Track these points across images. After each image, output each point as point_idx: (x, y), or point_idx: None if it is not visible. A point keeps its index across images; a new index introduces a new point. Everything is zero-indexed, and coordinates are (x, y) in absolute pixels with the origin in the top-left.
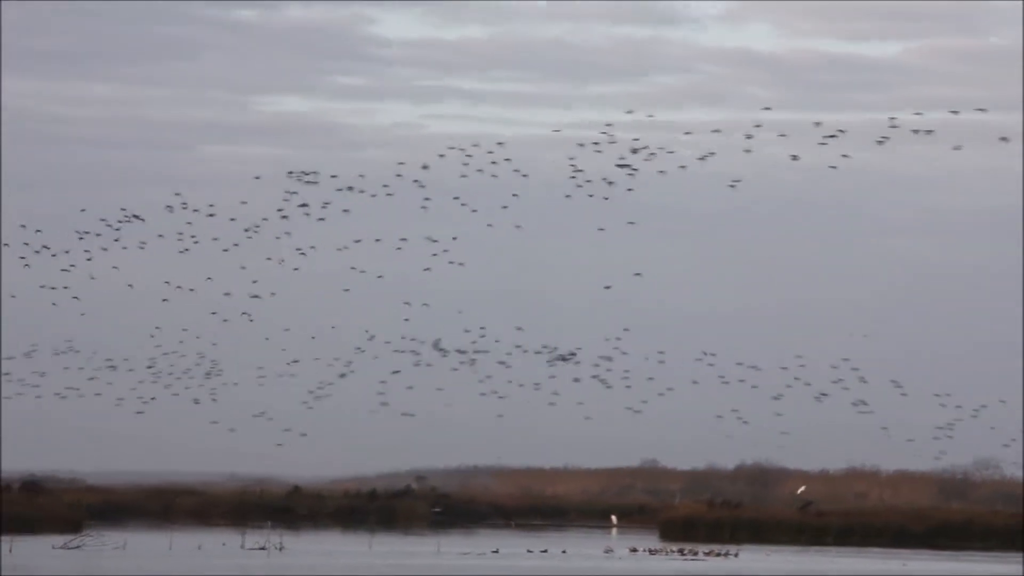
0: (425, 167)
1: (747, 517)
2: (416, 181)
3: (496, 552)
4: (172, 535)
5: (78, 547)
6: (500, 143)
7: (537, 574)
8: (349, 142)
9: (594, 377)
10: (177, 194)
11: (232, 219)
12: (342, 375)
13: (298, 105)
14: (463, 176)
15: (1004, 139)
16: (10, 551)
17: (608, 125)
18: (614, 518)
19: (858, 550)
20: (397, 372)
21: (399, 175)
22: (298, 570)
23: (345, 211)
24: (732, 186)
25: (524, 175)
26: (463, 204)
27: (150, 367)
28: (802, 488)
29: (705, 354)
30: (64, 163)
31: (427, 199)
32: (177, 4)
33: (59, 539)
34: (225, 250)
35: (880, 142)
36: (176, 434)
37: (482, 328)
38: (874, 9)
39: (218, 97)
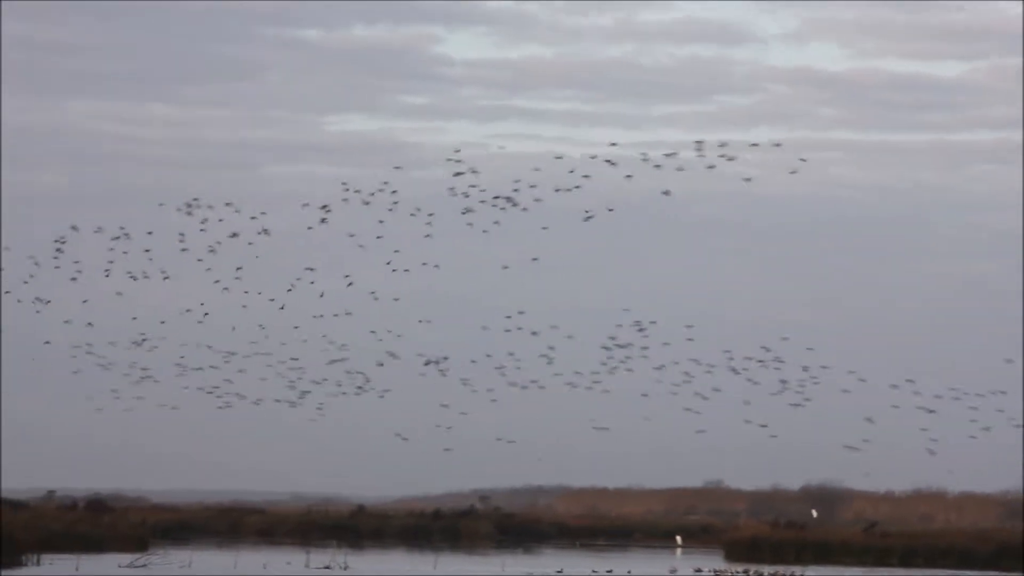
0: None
1: (812, 538)
2: (494, 200)
3: (560, 572)
4: (237, 554)
5: (144, 566)
6: (559, 156)
7: None
8: (414, 161)
9: (672, 392)
10: (252, 217)
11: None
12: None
13: (363, 124)
14: (537, 199)
15: None
16: (76, 569)
17: (669, 153)
18: (679, 538)
19: (923, 571)
20: (488, 391)
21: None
22: None
23: (427, 235)
24: (785, 204)
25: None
26: (537, 223)
27: (217, 389)
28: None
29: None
30: (127, 183)
31: (496, 222)
32: (240, 24)
33: (125, 558)
34: (304, 277)
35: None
36: (240, 453)
37: (551, 348)
38: (938, 28)
39: (282, 117)
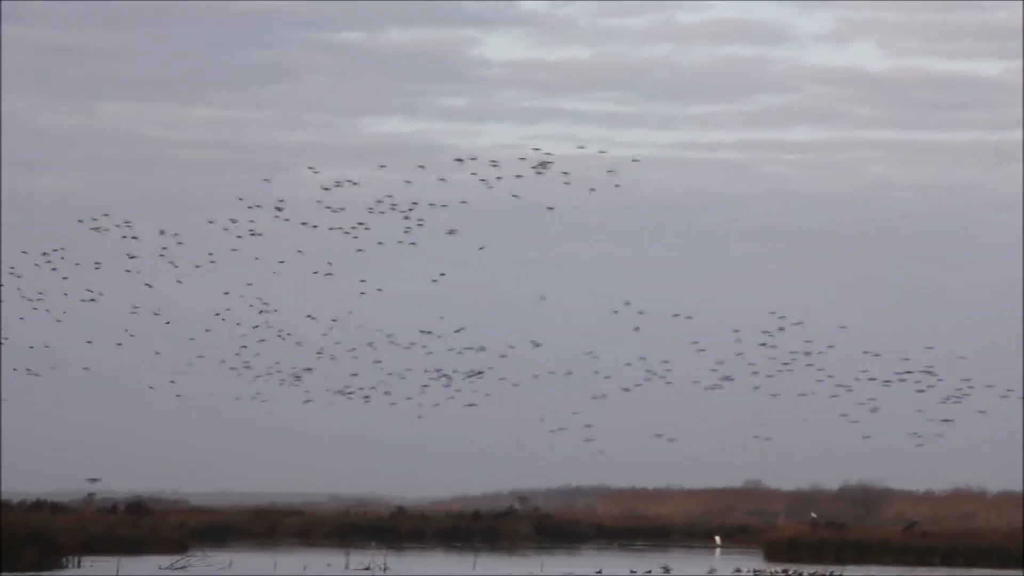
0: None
1: (851, 538)
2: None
3: (599, 572)
4: (277, 556)
5: (184, 568)
6: (602, 151)
7: None
8: (452, 163)
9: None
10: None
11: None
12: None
13: (400, 126)
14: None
15: None
16: (117, 571)
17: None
18: (718, 538)
19: (964, 571)
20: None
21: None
22: None
23: (451, 232)
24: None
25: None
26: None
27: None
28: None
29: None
30: (165, 186)
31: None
32: (278, 27)
33: (165, 560)
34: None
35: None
36: (279, 455)
37: (590, 352)
38: (977, 27)
39: (320, 119)
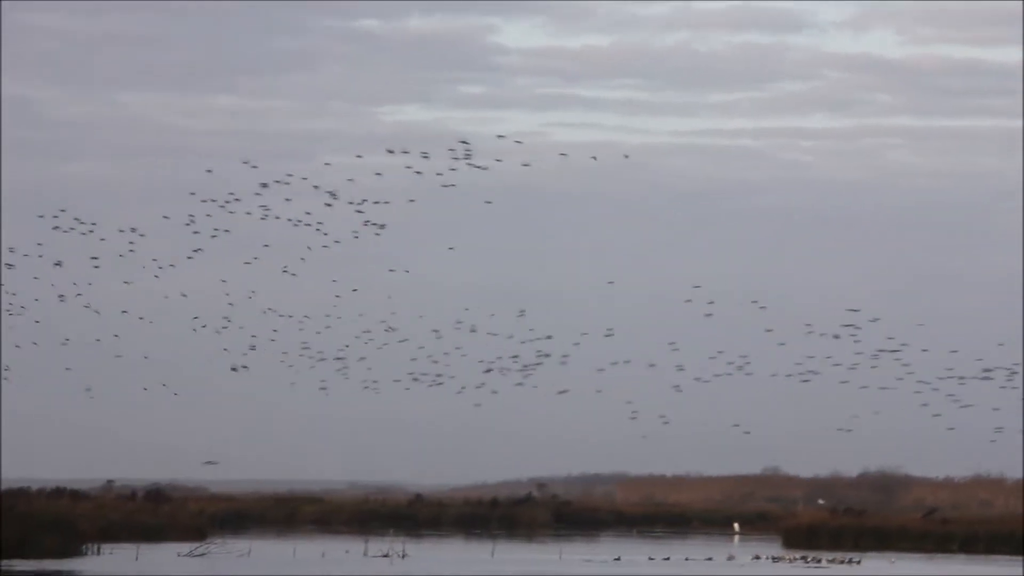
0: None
1: (870, 525)
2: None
3: (618, 560)
4: (295, 543)
5: (203, 555)
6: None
7: None
8: (470, 150)
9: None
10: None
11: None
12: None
13: (419, 114)
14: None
15: None
16: (136, 559)
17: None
18: (736, 526)
19: (983, 557)
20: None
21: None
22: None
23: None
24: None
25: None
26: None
27: (293, 381)
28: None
29: (829, 357)
30: (185, 175)
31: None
32: (297, 15)
33: (184, 547)
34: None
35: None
36: (298, 442)
37: (606, 333)
38: (996, 14)
39: (339, 108)
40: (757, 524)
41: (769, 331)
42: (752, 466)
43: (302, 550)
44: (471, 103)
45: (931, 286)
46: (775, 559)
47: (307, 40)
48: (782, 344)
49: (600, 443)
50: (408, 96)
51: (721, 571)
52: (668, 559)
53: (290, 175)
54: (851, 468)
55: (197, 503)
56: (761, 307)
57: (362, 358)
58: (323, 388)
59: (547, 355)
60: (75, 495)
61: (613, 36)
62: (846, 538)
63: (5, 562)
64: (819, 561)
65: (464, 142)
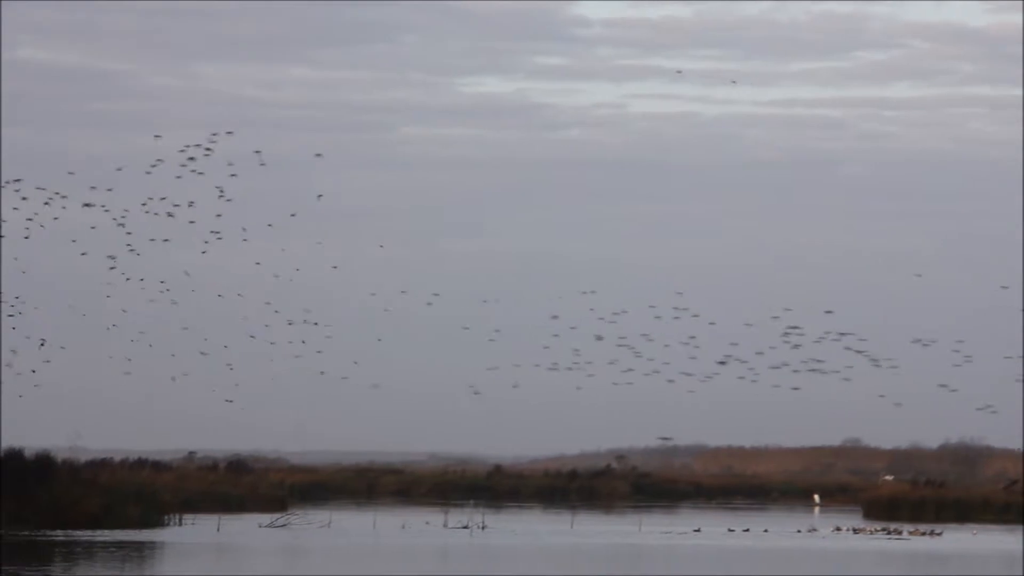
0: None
1: (951, 496)
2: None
3: (698, 531)
4: (375, 514)
5: (284, 525)
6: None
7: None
8: (549, 122)
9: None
10: None
11: None
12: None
13: (499, 86)
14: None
15: None
16: (218, 529)
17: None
18: (816, 497)
19: None
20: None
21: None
22: (497, 548)
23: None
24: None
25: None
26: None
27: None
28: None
29: (920, 340)
30: (264, 145)
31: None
32: None
33: (265, 518)
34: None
35: None
36: (378, 414)
37: (683, 308)
38: None
39: (419, 79)
40: (837, 496)
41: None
42: (832, 437)
43: (382, 521)
44: (551, 74)
45: (1013, 253)
46: (856, 531)
47: (385, 11)
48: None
49: (679, 414)
50: (488, 67)
51: (801, 542)
52: (748, 530)
53: None
54: (932, 440)
55: (278, 474)
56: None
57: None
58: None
59: (623, 339)
60: (157, 466)
61: (694, 6)
62: (927, 510)
63: (89, 532)
64: (900, 533)
65: None
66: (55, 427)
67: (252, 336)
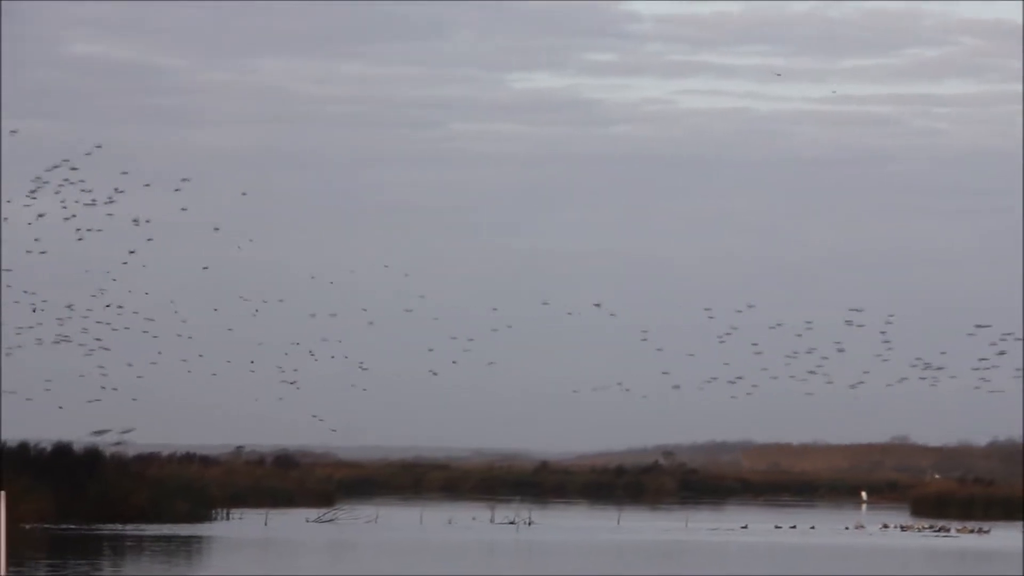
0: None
1: (1000, 494)
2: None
3: (745, 528)
4: (422, 509)
5: (331, 520)
6: None
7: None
8: (600, 118)
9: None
10: None
11: None
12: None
13: (549, 82)
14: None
15: None
16: (266, 524)
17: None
18: (864, 494)
19: None
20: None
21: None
22: (546, 544)
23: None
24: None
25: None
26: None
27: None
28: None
29: (979, 327)
30: (318, 141)
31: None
32: None
33: (312, 512)
34: None
35: None
36: (423, 409)
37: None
38: None
39: (469, 74)
40: (885, 493)
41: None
42: (880, 435)
43: (428, 517)
44: (601, 70)
45: None
46: (903, 528)
47: (438, 8)
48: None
49: (726, 410)
50: (538, 63)
51: (848, 539)
52: (795, 527)
53: None
54: (980, 437)
55: (325, 469)
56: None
57: (496, 330)
58: (454, 363)
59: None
60: (205, 461)
61: (745, 2)
62: (975, 508)
63: (136, 526)
64: (948, 530)
65: None
66: (106, 421)
67: (297, 338)
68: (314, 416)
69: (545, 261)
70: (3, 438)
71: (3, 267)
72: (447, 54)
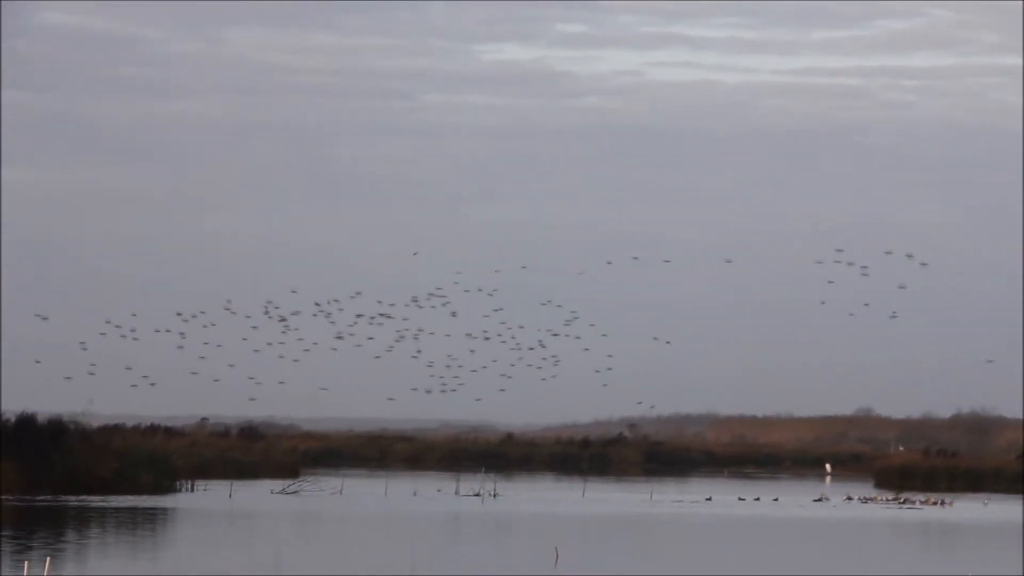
0: None
1: (963, 466)
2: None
3: (709, 500)
4: (387, 481)
5: (296, 492)
6: None
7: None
8: (569, 90)
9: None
10: None
11: None
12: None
13: (519, 53)
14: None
15: None
16: (230, 495)
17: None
18: (828, 466)
19: None
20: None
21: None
22: (512, 515)
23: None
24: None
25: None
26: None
27: (374, 319)
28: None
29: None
30: (290, 111)
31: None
32: None
33: (277, 484)
34: None
35: None
36: (388, 380)
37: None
38: None
39: (440, 46)
40: (849, 465)
41: (865, 270)
42: (844, 407)
43: (394, 488)
44: (571, 42)
45: None
46: (866, 499)
47: None
48: (865, 274)
49: (691, 383)
50: (508, 34)
51: (812, 511)
52: (758, 499)
53: None
54: (944, 410)
55: (290, 441)
56: (838, 250)
57: (446, 302)
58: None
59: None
60: (169, 432)
61: None
62: (939, 479)
63: (101, 497)
64: (912, 502)
65: None
66: (67, 393)
67: (269, 301)
68: (322, 388)
69: (513, 232)
70: None
71: None
72: (418, 25)
